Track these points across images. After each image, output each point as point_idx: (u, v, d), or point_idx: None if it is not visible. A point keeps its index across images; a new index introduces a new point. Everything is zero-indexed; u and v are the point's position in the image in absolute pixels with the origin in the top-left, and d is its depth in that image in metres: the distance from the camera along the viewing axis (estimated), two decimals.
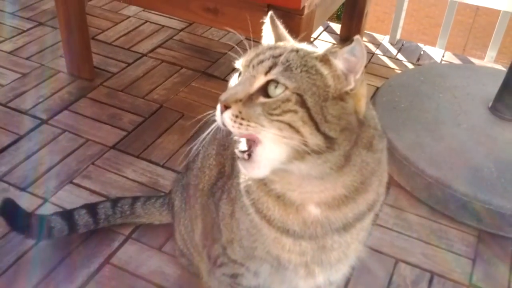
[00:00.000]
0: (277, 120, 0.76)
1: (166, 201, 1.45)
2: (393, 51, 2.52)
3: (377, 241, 1.50)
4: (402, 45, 2.57)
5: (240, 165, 0.81)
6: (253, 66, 0.79)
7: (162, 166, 1.74)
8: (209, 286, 1.28)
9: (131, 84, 2.14)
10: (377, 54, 2.48)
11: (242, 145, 0.81)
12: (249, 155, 0.79)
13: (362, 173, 0.85)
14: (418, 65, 2.42)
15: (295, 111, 0.75)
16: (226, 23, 1.67)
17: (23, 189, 1.59)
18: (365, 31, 2.57)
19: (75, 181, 1.65)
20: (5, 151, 1.74)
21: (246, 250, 0.98)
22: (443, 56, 2.51)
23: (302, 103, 0.76)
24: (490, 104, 1.92)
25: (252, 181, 0.90)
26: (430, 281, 1.43)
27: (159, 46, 2.40)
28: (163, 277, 1.38)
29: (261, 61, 0.79)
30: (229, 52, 1.98)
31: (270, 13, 0.89)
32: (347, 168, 0.82)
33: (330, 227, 0.89)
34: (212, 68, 2.27)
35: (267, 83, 0.77)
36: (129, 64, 2.26)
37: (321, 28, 2.64)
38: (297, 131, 0.76)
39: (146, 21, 2.59)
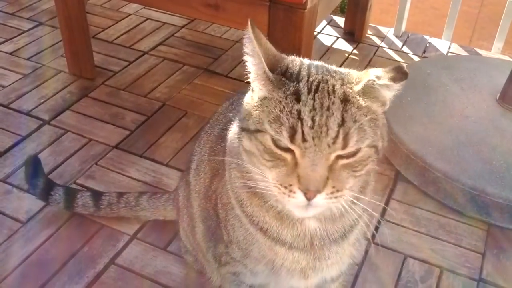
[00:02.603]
0: (361, 174, 0.76)
1: (172, 197, 1.44)
2: (398, 43, 2.48)
3: (385, 237, 1.48)
4: (408, 37, 2.54)
5: (298, 212, 0.78)
6: (328, 146, 0.70)
7: (166, 165, 1.72)
8: (214, 284, 1.27)
9: (133, 82, 2.12)
10: (382, 47, 2.45)
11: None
12: None
13: (366, 178, 0.85)
14: (424, 57, 2.38)
15: (373, 160, 0.76)
16: (228, 18, 1.65)
17: (27, 191, 1.58)
18: (370, 24, 2.54)
19: (78, 181, 1.64)
20: (8, 152, 1.74)
21: (243, 250, 0.98)
22: (449, 48, 2.47)
23: (377, 150, 0.76)
24: (498, 96, 1.89)
25: (244, 194, 0.87)
26: (439, 276, 1.41)
27: (161, 43, 2.39)
28: (169, 277, 1.37)
29: (334, 139, 0.70)
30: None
31: (249, 22, 0.77)
32: (362, 177, 0.81)
33: (329, 239, 0.88)
34: (214, 65, 2.25)
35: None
36: (130, 63, 2.24)
37: (324, 22, 2.61)
38: (369, 172, 0.78)
39: (147, 19, 2.57)
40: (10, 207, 1.53)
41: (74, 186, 1.62)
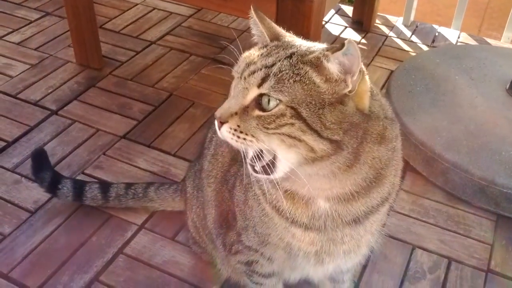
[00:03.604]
0: (275, 133, 0.75)
1: (179, 188, 1.44)
2: (407, 33, 2.46)
3: (393, 227, 1.48)
4: (416, 26, 2.51)
5: (252, 172, 0.81)
6: (245, 78, 0.77)
7: (174, 155, 1.72)
8: (223, 274, 1.28)
9: (140, 72, 2.12)
10: (390, 36, 2.42)
11: (255, 161, 0.80)
12: (265, 169, 0.79)
13: (375, 168, 0.83)
14: (433, 47, 2.36)
15: (292, 124, 0.74)
16: (235, 8, 1.63)
17: (35, 181, 1.59)
18: (378, 13, 2.52)
19: (86, 171, 1.65)
20: (16, 142, 1.74)
21: (260, 236, 0.98)
22: (458, 37, 2.45)
23: (298, 116, 0.74)
24: (507, 86, 1.87)
25: None
26: (448, 267, 1.40)
27: (168, 33, 2.38)
28: (177, 267, 1.37)
29: (253, 72, 0.76)
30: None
31: (252, 6, 0.85)
32: (357, 167, 0.80)
33: (341, 220, 0.88)
34: (222, 55, 2.24)
35: (260, 95, 0.75)
36: (137, 53, 2.24)
37: (332, 11, 2.59)
38: (299, 140, 0.75)
39: (154, 8, 2.56)
40: (19, 197, 1.54)
41: (82, 176, 1.63)
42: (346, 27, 2.49)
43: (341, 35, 2.42)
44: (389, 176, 0.86)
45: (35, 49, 2.22)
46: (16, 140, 1.75)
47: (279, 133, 0.75)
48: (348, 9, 2.60)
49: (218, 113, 0.77)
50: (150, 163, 1.69)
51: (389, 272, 1.38)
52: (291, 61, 0.76)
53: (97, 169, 1.65)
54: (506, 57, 2.09)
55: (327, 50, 0.75)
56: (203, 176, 1.16)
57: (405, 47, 2.36)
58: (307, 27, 1.52)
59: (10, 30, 2.34)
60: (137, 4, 2.59)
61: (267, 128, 0.75)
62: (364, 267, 1.38)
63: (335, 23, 2.51)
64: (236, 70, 0.80)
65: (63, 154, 1.70)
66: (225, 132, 0.77)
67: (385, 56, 2.28)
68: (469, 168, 1.57)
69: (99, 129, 1.82)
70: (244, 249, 1.05)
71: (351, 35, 2.43)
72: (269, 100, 0.74)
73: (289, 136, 0.75)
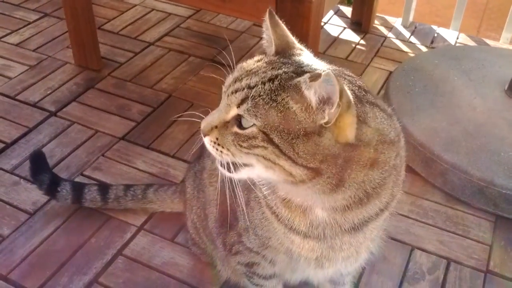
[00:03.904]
0: (248, 153, 0.76)
1: (179, 189, 1.44)
2: (406, 34, 2.46)
3: (392, 228, 1.47)
4: (415, 27, 2.51)
5: (219, 168, 0.83)
6: (228, 95, 0.78)
7: (172, 157, 1.72)
8: (222, 275, 1.27)
9: (139, 74, 2.12)
10: (389, 37, 2.43)
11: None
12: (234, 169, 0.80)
13: (365, 188, 0.81)
14: (432, 48, 2.36)
15: (264, 147, 0.75)
16: (234, 9, 1.63)
17: (34, 183, 1.58)
18: (377, 14, 2.52)
19: (85, 173, 1.64)
20: (15, 144, 1.74)
21: (261, 239, 0.99)
22: (457, 38, 2.45)
23: (270, 141, 0.74)
24: (506, 87, 1.87)
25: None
26: (447, 268, 1.40)
27: (166, 34, 2.38)
28: (176, 268, 1.37)
29: (236, 91, 0.76)
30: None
31: (269, 9, 0.84)
32: (342, 190, 0.79)
33: (340, 228, 0.87)
34: (220, 56, 2.24)
35: (239, 114, 0.76)
36: (136, 54, 2.24)
37: (331, 12, 2.59)
38: (273, 163, 0.75)
39: (153, 9, 2.56)
40: (17, 198, 1.54)
41: (81, 177, 1.62)
42: (345, 28, 2.49)
43: (339, 36, 2.43)
44: (387, 188, 0.84)
45: (34, 50, 2.22)
46: (15, 141, 1.75)
47: (252, 154, 0.76)
48: (347, 10, 2.60)
49: (202, 124, 0.81)
50: (149, 164, 1.69)
51: (388, 273, 1.38)
52: (271, 85, 0.74)
53: (96, 171, 1.65)
54: (505, 58, 2.09)
55: (310, 78, 0.72)
56: (205, 176, 1.16)
57: (404, 48, 2.36)
58: (306, 28, 1.52)
59: (9, 31, 2.34)
60: (135, 5, 2.59)
61: (241, 146, 0.76)
62: (363, 268, 1.37)
63: (334, 24, 2.51)
64: (226, 83, 0.81)
65: (62, 156, 1.70)
66: (207, 143, 0.81)
67: (384, 57, 2.28)
68: (468, 169, 1.57)
69: (98, 131, 1.81)
70: (245, 250, 1.05)
71: (350, 36, 2.43)
72: (246, 120, 0.75)
73: (264, 158, 0.75)
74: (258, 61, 0.81)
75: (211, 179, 1.12)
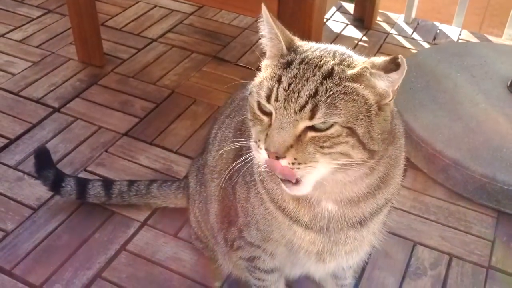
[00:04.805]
0: (330, 152, 0.75)
1: (182, 185, 1.45)
2: (409, 30, 2.46)
3: (394, 224, 1.48)
4: (418, 24, 2.51)
5: (284, 186, 0.80)
6: (295, 112, 0.73)
7: (175, 152, 1.73)
8: (224, 270, 1.28)
9: (142, 70, 2.12)
10: (392, 33, 2.43)
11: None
12: (297, 180, 0.78)
13: (387, 167, 0.84)
14: (435, 44, 2.36)
15: (346, 142, 0.75)
16: (237, 5, 1.64)
17: (38, 178, 1.59)
18: (379, 10, 2.52)
19: (89, 168, 1.65)
20: (19, 140, 1.75)
21: (263, 233, 0.99)
22: (459, 35, 2.45)
23: (353, 133, 0.74)
24: (508, 83, 1.87)
25: (266, 172, 0.90)
26: (449, 263, 1.41)
27: (169, 30, 2.38)
28: (179, 263, 1.38)
29: (302, 108, 0.73)
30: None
31: (262, 5, 0.82)
32: (376, 169, 0.82)
33: (346, 223, 0.89)
34: (223, 52, 2.24)
35: None
36: (139, 50, 2.24)
37: (333, 9, 2.59)
38: (347, 155, 0.76)
39: (155, 6, 2.56)
40: (21, 194, 1.55)
41: (84, 173, 1.63)
42: (347, 24, 2.49)
43: (342, 33, 2.43)
44: (396, 177, 0.89)
45: (37, 47, 2.22)
46: (19, 137, 1.76)
47: (334, 152, 0.75)
48: (350, 7, 2.60)
49: (271, 147, 0.74)
50: (152, 160, 1.69)
51: (390, 269, 1.39)
52: (333, 81, 0.74)
53: (99, 166, 1.66)
54: (507, 54, 2.09)
55: (375, 67, 0.74)
56: (206, 171, 1.17)
57: (406, 44, 2.36)
58: (309, 24, 1.53)
59: (12, 27, 2.35)
60: (138, 2, 2.59)
61: (323, 147, 0.74)
62: (366, 263, 1.38)
63: (336, 21, 2.51)
64: (272, 99, 0.75)
65: (65, 152, 1.71)
66: (282, 165, 0.75)
67: (386, 54, 2.28)
68: (470, 165, 1.57)
69: (101, 127, 1.82)
70: (246, 245, 1.06)
71: (353, 32, 2.43)
72: (323, 123, 0.73)
73: (341, 153, 0.75)
74: (289, 66, 0.77)
75: (212, 174, 1.13)
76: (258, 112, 0.79)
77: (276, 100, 0.75)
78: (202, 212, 1.23)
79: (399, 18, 2.54)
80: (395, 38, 2.40)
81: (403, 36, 2.41)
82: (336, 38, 2.38)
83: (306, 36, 1.56)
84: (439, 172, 1.63)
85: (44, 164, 1.47)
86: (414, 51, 2.28)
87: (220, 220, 1.13)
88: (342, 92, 0.73)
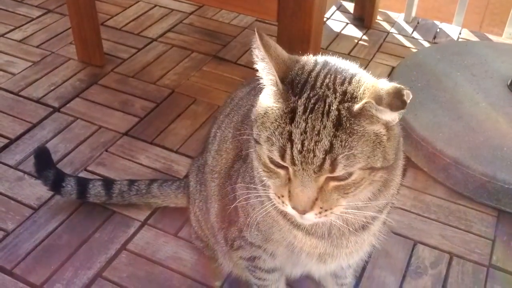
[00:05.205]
0: (355, 194, 0.76)
1: (182, 184, 1.45)
2: (409, 29, 2.46)
3: (395, 223, 1.48)
4: (418, 23, 2.51)
5: (298, 217, 0.80)
6: (314, 171, 0.72)
7: (176, 152, 1.73)
8: (225, 269, 1.28)
9: (142, 69, 2.12)
10: (392, 32, 2.42)
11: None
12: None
13: (389, 171, 0.83)
14: (435, 43, 2.36)
15: (367, 179, 0.76)
16: (237, 4, 1.63)
17: (38, 178, 1.59)
18: (379, 9, 2.52)
19: (89, 168, 1.65)
20: (19, 139, 1.75)
21: (264, 233, 0.99)
22: (460, 34, 2.45)
23: (373, 168, 0.75)
24: (509, 82, 1.87)
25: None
26: (449, 262, 1.41)
27: (169, 30, 2.38)
28: (180, 263, 1.38)
29: (320, 167, 0.71)
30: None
31: (256, 30, 0.75)
32: (384, 175, 0.82)
33: (348, 229, 0.88)
34: (223, 52, 2.24)
35: None
36: (139, 50, 2.24)
37: (333, 8, 2.59)
38: (371, 186, 0.79)
39: (155, 5, 2.56)
40: (22, 194, 1.55)
41: (85, 173, 1.63)
42: (347, 23, 2.49)
43: (342, 32, 2.42)
44: (396, 178, 0.88)
45: (37, 47, 2.22)
46: (19, 137, 1.76)
47: (358, 192, 0.76)
48: (349, 6, 2.60)
49: (299, 206, 0.75)
50: (152, 160, 1.69)
51: (390, 268, 1.39)
52: (345, 130, 0.71)
53: (99, 166, 1.66)
54: (508, 53, 2.09)
55: (380, 103, 0.70)
56: (206, 170, 1.16)
57: (407, 43, 2.36)
58: (309, 23, 1.52)
59: (12, 27, 2.35)
60: (138, 1, 2.59)
61: (347, 193, 0.75)
62: (366, 262, 1.38)
63: (336, 20, 2.51)
64: (287, 160, 0.73)
65: (65, 151, 1.71)
66: (311, 218, 0.77)
67: (386, 53, 2.28)
68: (471, 164, 1.57)
69: (101, 126, 1.82)
70: (247, 245, 1.06)
71: (353, 31, 2.43)
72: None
73: (364, 188, 0.77)
74: (293, 116, 0.73)
75: (212, 174, 1.13)
76: (272, 166, 0.77)
77: (293, 164, 0.73)
78: (203, 211, 1.23)
79: (399, 17, 2.54)
80: (395, 37, 2.40)
81: (403, 35, 2.41)
82: (336, 37, 2.38)
83: (306, 35, 1.57)
84: (439, 171, 1.63)
85: (44, 164, 1.47)
86: (414, 50, 2.28)
87: (220, 219, 1.13)
88: (356, 139, 0.71)
